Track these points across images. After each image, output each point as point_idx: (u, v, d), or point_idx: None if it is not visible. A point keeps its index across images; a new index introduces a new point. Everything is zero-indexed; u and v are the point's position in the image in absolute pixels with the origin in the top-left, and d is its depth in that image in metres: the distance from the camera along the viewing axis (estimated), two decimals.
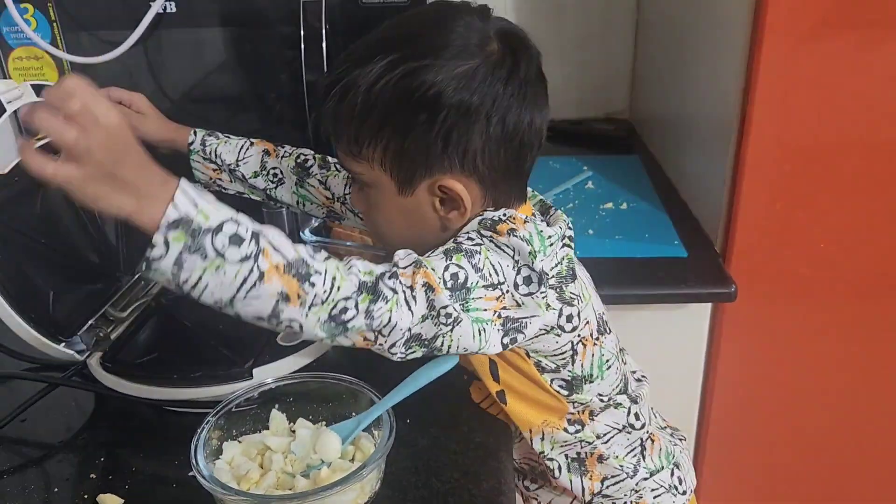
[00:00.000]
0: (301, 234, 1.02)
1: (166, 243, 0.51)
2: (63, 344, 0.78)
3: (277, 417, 0.73)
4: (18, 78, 1.14)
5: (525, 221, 0.66)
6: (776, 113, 1.01)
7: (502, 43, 0.64)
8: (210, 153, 0.86)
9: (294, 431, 0.72)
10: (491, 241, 0.63)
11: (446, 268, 0.60)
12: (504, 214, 0.66)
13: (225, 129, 1.22)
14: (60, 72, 1.16)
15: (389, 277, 0.59)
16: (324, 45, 1.12)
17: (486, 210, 0.68)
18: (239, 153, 0.86)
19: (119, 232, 0.90)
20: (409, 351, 0.61)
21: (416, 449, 0.72)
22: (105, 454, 0.74)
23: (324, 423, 0.73)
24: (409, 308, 0.58)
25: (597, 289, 0.81)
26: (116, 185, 0.51)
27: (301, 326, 0.57)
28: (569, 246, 0.69)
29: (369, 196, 0.69)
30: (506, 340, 0.64)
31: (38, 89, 0.84)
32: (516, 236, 0.63)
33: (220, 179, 0.87)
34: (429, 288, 0.59)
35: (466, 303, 0.60)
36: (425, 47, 0.62)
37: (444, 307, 0.59)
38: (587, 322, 0.71)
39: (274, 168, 0.86)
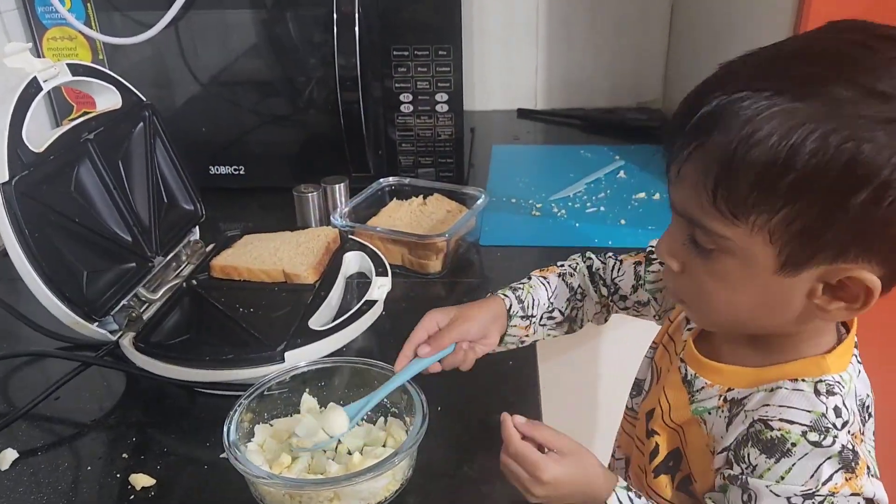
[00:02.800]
0: (332, 219, 1.01)
1: None
2: (96, 324, 0.78)
3: (308, 401, 0.72)
4: (53, 58, 1.14)
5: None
6: None
7: None
8: (527, 306, 0.77)
9: None
10: (846, 475, 0.53)
11: None
12: (847, 417, 0.55)
13: (254, 112, 1.23)
14: (93, 52, 1.16)
15: None
16: (356, 29, 1.11)
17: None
18: (547, 289, 0.78)
19: (152, 212, 0.90)
20: None
21: (447, 437, 0.71)
22: (136, 434, 0.74)
23: None
24: None
25: None
26: (560, 497, 0.61)
27: None
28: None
29: (715, 263, 0.55)
30: None
31: (72, 68, 0.84)
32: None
33: (526, 336, 0.78)
34: None
35: None
36: (873, 106, 0.47)
37: None
38: None
39: (578, 286, 0.79)
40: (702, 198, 0.52)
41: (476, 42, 1.55)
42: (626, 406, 0.78)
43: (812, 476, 0.53)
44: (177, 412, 0.78)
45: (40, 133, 0.79)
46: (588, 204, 1.17)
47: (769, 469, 0.54)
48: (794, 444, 0.54)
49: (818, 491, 0.53)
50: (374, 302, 0.83)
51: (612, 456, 0.82)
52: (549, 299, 0.78)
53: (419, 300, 0.96)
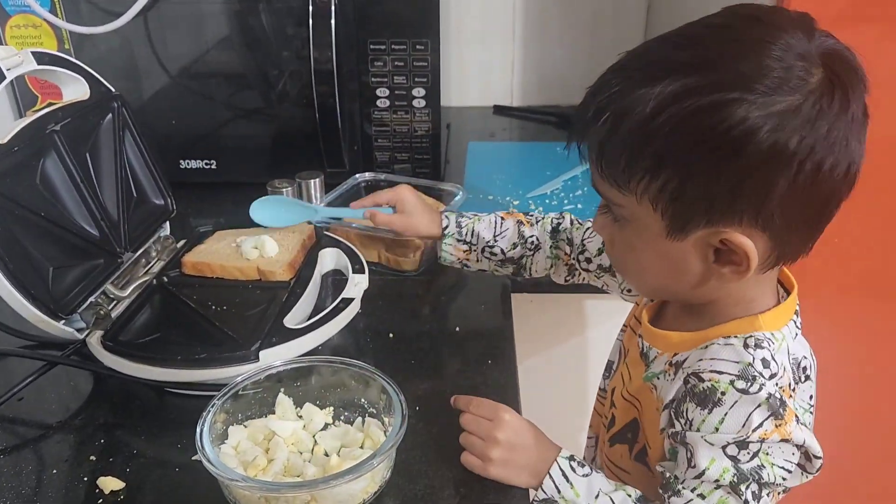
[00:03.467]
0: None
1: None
2: (62, 322, 0.75)
3: (284, 402, 0.71)
4: (17, 47, 1.10)
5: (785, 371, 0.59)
6: None
7: (829, 70, 0.52)
8: (466, 234, 0.86)
9: (301, 416, 0.71)
10: (775, 422, 0.56)
11: None
12: (775, 370, 0.58)
13: (226, 105, 1.21)
14: (59, 42, 1.12)
15: None
16: (332, 22, 1.09)
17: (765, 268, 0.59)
18: (495, 228, 0.86)
19: (121, 207, 0.87)
20: None
21: (426, 437, 0.70)
22: (104, 436, 0.72)
23: (331, 408, 0.72)
24: None
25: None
26: (512, 463, 0.66)
27: None
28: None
29: (624, 232, 0.61)
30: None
31: (37, 56, 0.81)
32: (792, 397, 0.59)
33: (467, 261, 0.87)
34: None
35: None
36: (732, 75, 0.51)
37: None
38: None
39: (531, 236, 0.84)
40: (596, 171, 0.59)
41: (452, 38, 1.53)
42: (599, 387, 0.81)
43: (744, 424, 0.56)
44: (146, 413, 0.75)
45: (3, 124, 0.76)
46: (565, 201, 1.16)
47: (704, 421, 0.58)
48: (723, 393, 0.57)
49: (749, 438, 0.56)
50: (351, 300, 0.82)
51: (587, 436, 0.84)
52: (493, 236, 0.85)
53: (396, 298, 0.94)
